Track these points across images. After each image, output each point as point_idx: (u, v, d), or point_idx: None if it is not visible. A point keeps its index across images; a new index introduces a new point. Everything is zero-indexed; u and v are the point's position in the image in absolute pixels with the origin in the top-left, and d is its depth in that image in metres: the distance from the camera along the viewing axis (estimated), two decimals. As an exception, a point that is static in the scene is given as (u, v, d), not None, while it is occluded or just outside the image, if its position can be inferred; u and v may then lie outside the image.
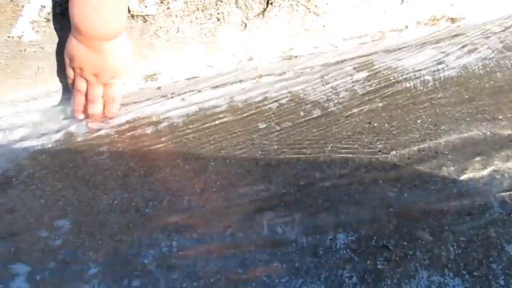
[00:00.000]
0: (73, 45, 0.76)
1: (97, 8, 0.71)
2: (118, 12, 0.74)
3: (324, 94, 0.82)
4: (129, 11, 0.79)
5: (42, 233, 0.67)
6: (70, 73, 0.80)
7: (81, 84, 0.80)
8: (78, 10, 0.72)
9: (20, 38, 0.79)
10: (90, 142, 0.79)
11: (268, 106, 0.81)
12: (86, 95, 0.81)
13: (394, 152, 0.73)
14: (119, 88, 0.81)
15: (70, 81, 0.82)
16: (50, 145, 0.78)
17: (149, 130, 0.80)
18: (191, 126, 0.80)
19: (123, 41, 0.77)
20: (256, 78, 0.85)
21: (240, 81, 0.85)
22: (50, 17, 0.79)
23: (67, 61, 0.79)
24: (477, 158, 0.73)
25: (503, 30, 0.86)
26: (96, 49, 0.75)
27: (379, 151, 0.75)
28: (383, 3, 0.83)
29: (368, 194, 0.70)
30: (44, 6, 0.78)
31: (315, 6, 0.82)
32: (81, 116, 0.83)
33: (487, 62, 0.83)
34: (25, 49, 0.81)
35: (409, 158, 0.73)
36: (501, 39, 0.86)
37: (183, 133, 0.79)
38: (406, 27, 0.87)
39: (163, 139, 0.79)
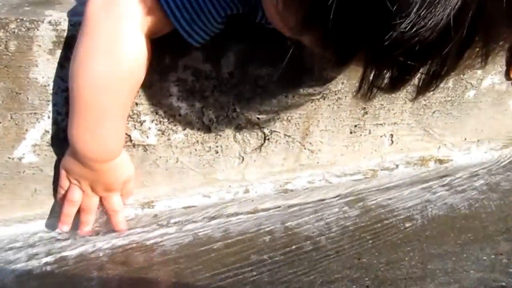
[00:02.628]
0: (70, 161, 0.79)
1: (93, 132, 0.75)
2: (114, 137, 0.78)
3: (317, 229, 0.84)
4: (130, 140, 0.84)
5: None
6: (65, 183, 0.82)
7: (75, 195, 0.82)
8: (75, 132, 0.75)
9: (20, 160, 0.82)
10: (80, 267, 0.79)
11: (262, 238, 0.83)
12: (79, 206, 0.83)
13: (382, 288, 0.76)
14: (117, 200, 0.83)
15: (62, 192, 0.83)
16: (39, 269, 0.78)
17: (141, 257, 0.81)
18: (184, 255, 0.81)
19: (120, 162, 0.81)
20: (251, 210, 0.88)
21: (236, 213, 0.88)
22: (52, 141, 0.82)
23: (63, 172, 0.81)
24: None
25: (488, 174, 0.94)
26: (91, 168, 0.78)
27: (367, 286, 0.77)
28: (374, 144, 0.90)
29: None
30: (48, 131, 0.81)
31: (310, 143, 0.88)
32: (66, 228, 0.84)
33: (473, 202, 0.88)
34: (24, 171, 0.83)
35: (397, 294, 0.76)
36: (486, 181, 0.92)
37: (176, 262, 0.80)
38: (397, 166, 0.93)
39: (154, 267, 0.80)
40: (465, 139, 0.93)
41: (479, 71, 0.85)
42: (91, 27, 0.70)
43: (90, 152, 0.77)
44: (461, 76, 0.85)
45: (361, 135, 0.89)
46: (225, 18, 0.73)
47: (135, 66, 0.73)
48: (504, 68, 0.87)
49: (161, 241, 0.84)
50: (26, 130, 0.81)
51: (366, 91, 0.56)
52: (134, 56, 0.72)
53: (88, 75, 0.71)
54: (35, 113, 0.80)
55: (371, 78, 0.55)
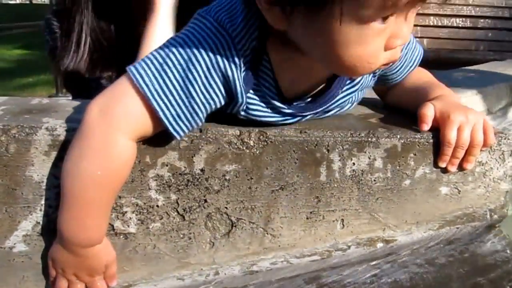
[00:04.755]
0: (57, 248, 0.85)
1: (80, 221, 0.83)
2: (98, 225, 0.85)
3: (280, 304, 0.93)
4: (113, 229, 0.90)
5: None
6: (52, 273, 0.88)
7: (62, 283, 0.87)
8: (64, 221, 0.83)
9: (11, 249, 0.88)
10: None
11: (231, 315, 0.91)
12: None
13: None
14: (101, 284, 0.89)
15: (51, 279, 0.88)
16: None
17: (121, 337, 0.89)
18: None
19: (102, 248, 0.87)
20: (221, 290, 0.94)
21: (207, 293, 0.93)
22: (43, 232, 0.89)
23: (50, 263, 0.87)
24: None
25: (427, 250, 1.03)
26: (75, 253, 0.85)
27: None
28: (327, 228, 0.97)
29: None
30: (39, 223, 0.88)
31: (272, 229, 0.95)
32: None
33: (413, 276, 0.95)
34: (14, 259, 0.88)
35: None
36: (425, 257, 1.00)
37: None
38: (349, 247, 1.01)
39: None
40: (406, 221, 1.01)
41: (412, 163, 0.98)
42: (87, 132, 0.80)
43: (76, 239, 0.84)
44: (397, 167, 0.98)
45: (316, 220, 0.96)
46: (207, 114, 0.85)
47: (122, 167, 0.83)
48: (433, 159, 0.97)
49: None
50: (19, 222, 0.88)
51: None
52: (122, 159, 0.82)
53: (80, 173, 0.80)
54: (28, 207, 0.87)
55: None
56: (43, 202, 0.88)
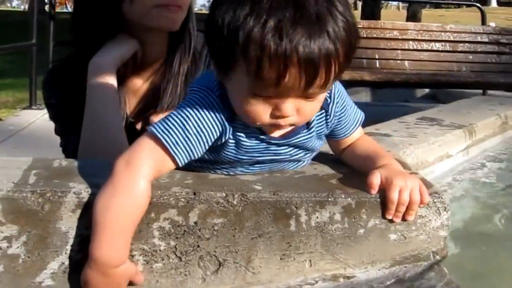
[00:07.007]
0: (88, 273, 1.02)
1: (112, 244, 1.02)
2: (126, 247, 1.05)
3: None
4: None
5: None
6: None
7: None
8: (99, 246, 1.02)
9: (40, 284, 1.06)
10: None
11: None
12: None
13: None
14: None
15: None
16: None
17: None
18: None
19: (127, 266, 1.05)
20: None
21: (198, 320, 1.11)
22: (67, 270, 1.07)
23: (82, 286, 1.04)
24: None
25: (382, 286, 1.20)
26: (106, 274, 1.02)
27: None
28: (298, 267, 1.14)
29: None
30: (64, 263, 1.06)
31: (252, 267, 1.13)
32: None
33: None
34: None
35: None
36: None
37: None
38: (316, 282, 1.17)
39: None
40: (363, 261, 1.18)
41: (364, 216, 1.18)
42: (116, 178, 1.04)
43: (109, 260, 1.02)
44: (353, 220, 1.17)
45: (288, 260, 1.14)
46: (204, 142, 1.11)
47: (143, 202, 1.05)
48: (381, 213, 1.16)
49: None
50: (48, 262, 1.06)
51: None
52: (142, 196, 1.04)
53: (112, 207, 1.02)
54: (56, 251, 1.06)
55: None
56: (68, 247, 1.07)
